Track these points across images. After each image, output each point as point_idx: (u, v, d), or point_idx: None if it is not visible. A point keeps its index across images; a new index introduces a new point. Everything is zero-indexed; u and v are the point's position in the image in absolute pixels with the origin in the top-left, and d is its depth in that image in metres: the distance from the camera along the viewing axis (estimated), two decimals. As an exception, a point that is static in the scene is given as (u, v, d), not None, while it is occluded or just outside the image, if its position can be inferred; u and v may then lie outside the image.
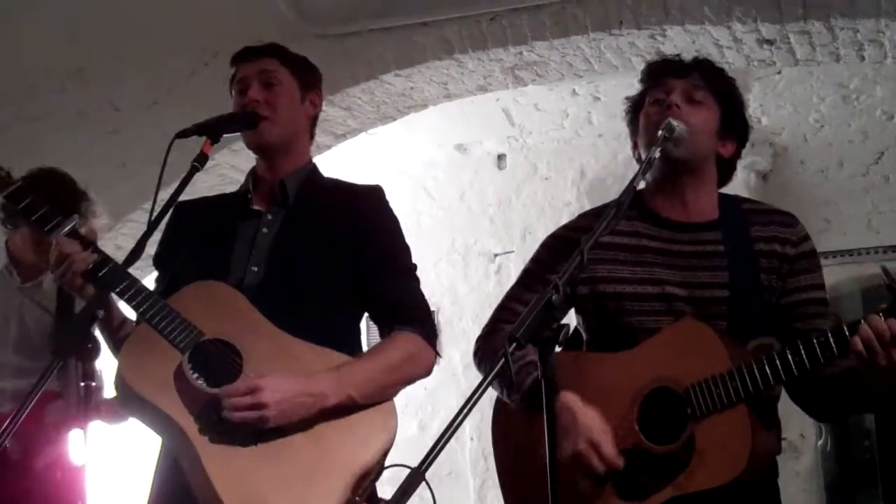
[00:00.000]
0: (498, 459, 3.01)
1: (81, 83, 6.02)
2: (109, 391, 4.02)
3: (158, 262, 3.10)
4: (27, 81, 6.02)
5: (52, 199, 3.55)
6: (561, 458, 2.47)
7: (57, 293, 4.16)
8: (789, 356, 2.57)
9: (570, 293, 2.92)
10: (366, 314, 3.07)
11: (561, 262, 2.41)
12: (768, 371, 2.57)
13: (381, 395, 2.81)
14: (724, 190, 3.04)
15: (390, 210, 3.08)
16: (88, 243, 2.80)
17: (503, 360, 2.04)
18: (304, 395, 2.67)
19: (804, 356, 2.55)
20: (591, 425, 2.66)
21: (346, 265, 2.93)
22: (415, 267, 3.06)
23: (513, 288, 3.09)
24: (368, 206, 3.05)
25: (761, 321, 2.77)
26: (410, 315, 2.97)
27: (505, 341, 2.07)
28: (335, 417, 2.72)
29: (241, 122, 2.97)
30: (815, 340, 2.55)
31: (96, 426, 4.01)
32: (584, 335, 3.01)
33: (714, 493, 2.56)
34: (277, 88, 3.01)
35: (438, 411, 7.08)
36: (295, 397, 2.65)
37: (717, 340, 2.68)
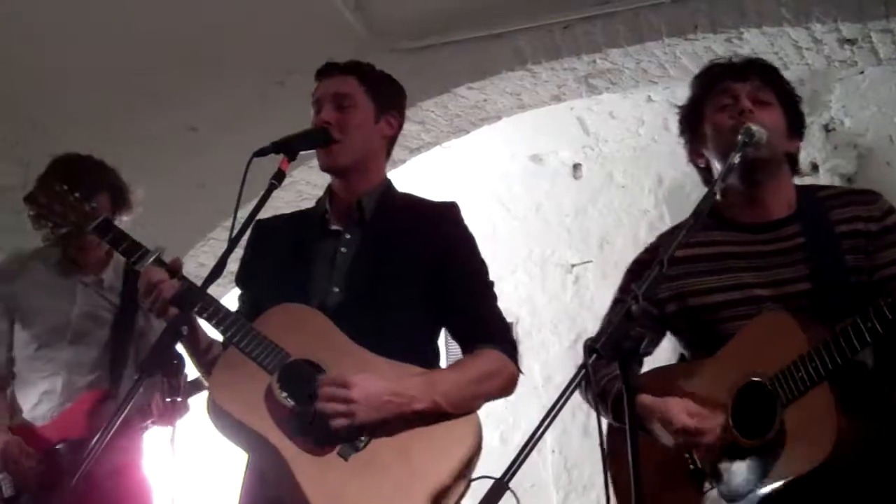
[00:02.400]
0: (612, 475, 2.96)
1: (160, 104, 6.13)
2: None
3: (240, 281, 3.15)
4: (106, 105, 6.14)
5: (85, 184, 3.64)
6: (667, 447, 2.56)
7: (122, 287, 4.23)
8: (861, 324, 2.50)
9: (659, 313, 2.94)
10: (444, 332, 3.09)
11: (660, 281, 2.41)
12: (843, 344, 2.52)
13: (466, 406, 2.82)
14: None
15: (466, 227, 3.09)
16: (174, 271, 2.87)
17: (583, 372, 2.04)
18: (392, 396, 2.70)
19: (875, 321, 2.48)
20: (682, 405, 2.69)
21: (425, 283, 2.96)
22: (492, 283, 3.07)
23: (603, 320, 3.09)
24: (445, 223, 3.06)
25: (849, 305, 2.68)
26: (492, 333, 2.98)
27: (584, 353, 2.07)
28: (422, 424, 2.74)
29: (315, 140, 2.99)
30: (883, 303, 2.48)
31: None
32: (685, 353, 3.00)
33: (818, 476, 2.51)
34: (350, 111, 3.03)
35: (519, 423, 7.06)
36: (382, 396, 2.69)
37: (794, 326, 2.65)
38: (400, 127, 3.20)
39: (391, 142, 3.18)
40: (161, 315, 2.82)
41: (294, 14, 5.50)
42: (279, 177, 2.80)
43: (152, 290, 2.81)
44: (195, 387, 3.97)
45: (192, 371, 3.53)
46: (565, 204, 7.68)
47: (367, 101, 3.07)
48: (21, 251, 4.36)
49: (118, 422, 2.34)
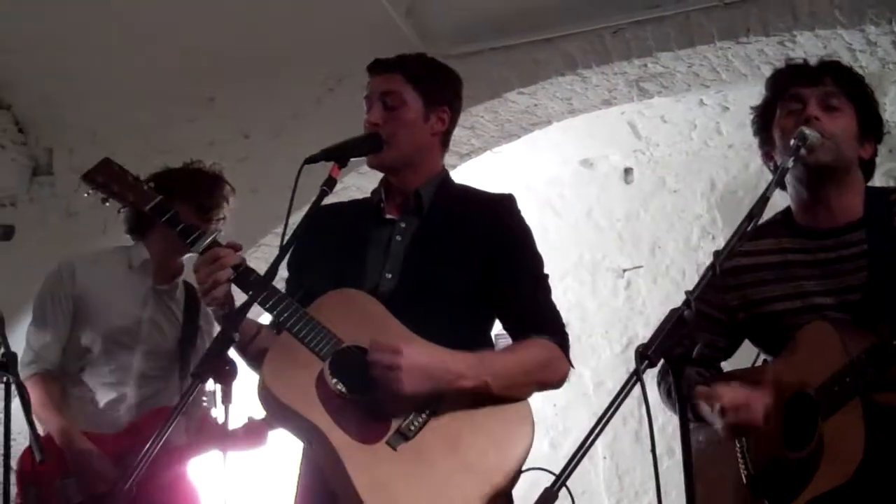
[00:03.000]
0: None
1: (212, 112, 6.19)
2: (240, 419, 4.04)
3: (292, 265, 3.14)
4: (159, 111, 6.22)
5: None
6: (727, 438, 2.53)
7: (185, 296, 4.25)
8: (888, 337, 2.48)
9: (730, 321, 2.93)
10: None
11: (711, 290, 2.41)
12: (871, 359, 2.50)
13: (516, 392, 2.79)
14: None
15: (523, 218, 3.08)
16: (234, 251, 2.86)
17: (633, 378, 2.02)
18: (441, 370, 2.68)
19: None
20: (716, 394, 2.69)
21: (479, 273, 2.94)
22: (547, 276, 3.05)
23: None
24: (502, 214, 3.05)
25: None
26: (545, 324, 2.95)
27: (636, 359, 2.06)
28: (472, 406, 2.72)
29: (366, 146, 2.99)
30: None
31: (235, 454, 4.01)
32: (767, 359, 2.98)
33: (851, 490, 2.50)
34: (398, 111, 3.02)
35: (570, 430, 7.03)
36: (430, 369, 2.67)
37: (835, 337, 2.63)
38: (453, 119, 3.16)
39: (446, 134, 3.16)
40: (213, 297, 2.79)
41: (346, 21, 5.54)
42: (330, 184, 2.80)
43: (215, 261, 2.79)
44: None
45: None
46: (616, 209, 7.64)
47: (414, 98, 3.05)
48: (102, 249, 4.35)
49: (169, 430, 2.35)
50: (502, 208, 3.07)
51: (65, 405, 4.03)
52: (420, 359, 2.66)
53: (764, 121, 3.00)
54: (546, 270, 3.06)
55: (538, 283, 3.02)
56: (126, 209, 3.33)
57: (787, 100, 2.91)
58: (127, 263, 4.21)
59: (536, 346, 2.87)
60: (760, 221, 2.51)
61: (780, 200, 2.89)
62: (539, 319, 2.95)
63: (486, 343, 3.01)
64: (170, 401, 4.07)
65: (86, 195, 3.13)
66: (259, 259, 5.78)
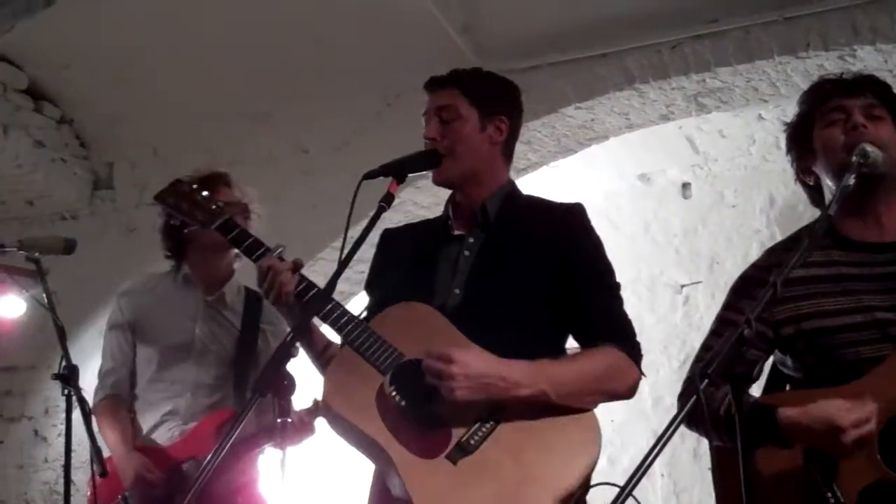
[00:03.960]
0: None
1: (271, 127, 6.26)
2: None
3: (368, 287, 3.16)
4: (219, 126, 6.29)
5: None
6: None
7: (245, 304, 4.28)
8: None
9: (774, 335, 2.84)
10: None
11: (772, 305, 2.36)
12: None
13: (578, 401, 2.74)
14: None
15: (592, 227, 3.04)
16: (296, 268, 2.89)
17: (695, 398, 2.00)
18: (496, 379, 2.64)
19: None
20: (829, 414, 2.55)
21: (548, 284, 2.90)
22: (619, 286, 3.00)
23: (707, 337, 2.98)
24: (571, 224, 3.01)
25: None
26: (616, 332, 2.89)
27: (696, 379, 2.03)
28: (531, 416, 2.68)
29: (424, 162, 2.99)
30: None
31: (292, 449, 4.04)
32: (795, 375, 2.89)
33: None
34: (454, 124, 3.00)
35: (627, 446, 6.99)
36: (484, 377, 2.63)
37: None
38: (512, 128, 3.12)
39: (507, 144, 3.13)
40: (277, 301, 2.84)
41: (402, 37, 5.57)
42: (388, 199, 2.82)
43: (267, 273, 2.83)
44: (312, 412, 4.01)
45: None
46: (674, 224, 7.60)
47: (470, 110, 3.03)
48: (153, 273, 4.46)
49: (230, 442, 2.37)
50: (571, 217, 3.03)
51: (128, 421, 4.13)
52: (474, 366, 2.64)
53: (801, 135, 2.95)
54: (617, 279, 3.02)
55: (608, 291, 2.97)
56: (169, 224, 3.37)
57: (828, 111, 2.87)
58: (174, 282, 4.31)
59: (601, 355, 2.82)
60: (796, 232, 2.47)
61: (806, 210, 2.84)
62: (608, 327, 2.90)
63: (559, 354, 2.95)
64: (227, 406, 4.12)
65: (159, 216, 3.18)
66: (317, 273, 5.81)
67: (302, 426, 4.02)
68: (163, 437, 4.09)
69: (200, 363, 4.15)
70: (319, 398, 3.59)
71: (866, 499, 2.55)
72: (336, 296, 2.83)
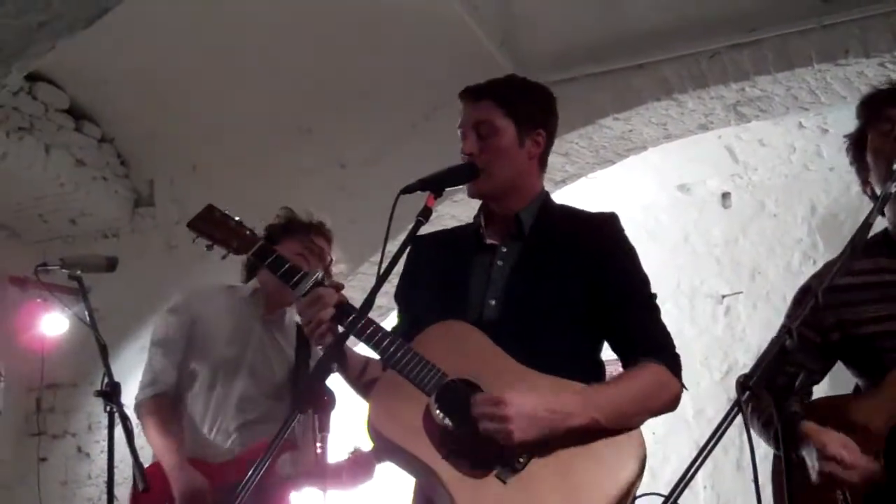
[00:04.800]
0: None
1: (309, 142, 6.28)
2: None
3: (399, 296, 3.16)
4: (257, 142, 6.33)
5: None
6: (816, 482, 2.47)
7: (297, 334, 4.29)
8: None
9: (822, 341, 2.86)
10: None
11: (815, 313, 2.35)
12: None
13: (627, 423, 2.73)
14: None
15: (627, 237, 3.01)
16: (336, 291, 2.88)
17: (735, 409, 1.99)
18: (548, 412, 2.63)
19: None
20: (842, 439, 2.59)
21: (584, 295, 2.89)
22: (654, 296, 2.98)
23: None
24: (605, 234, 2.99)
25: None
26: (655, 346, 2.87)
27: (738, 390, 2.02)
28: (581, 441, 2.68)
29: (462, 176, 2.97)
30: None
31: (338, 489, 4.06)
32: (859, 382, 2.91)
33: None
34: (491, 139, 2.97)
35: (669, 458, 6.94)
36: (537, 413, 2.62)
37: None
38: (549, 139, 3.10)
39: (543, 155, 3.11)
40: (316, 334, 2.82)
41: (439, 50, 5.58)
42: (426, 214, 2.79)
43: (312, 309, 2.82)
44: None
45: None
46: (715, 234, 7.57)
47: (507, 123, 3.00)
48: (218, 284, 4.46)
49: (269, 460, 2.38)
50: (606, 227, 3.01)
51: (178, 430, 4.11)
52: (526, 405, 2.62)
53: (858, 147, 2.94)
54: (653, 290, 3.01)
55: (644, 302, 2.95)
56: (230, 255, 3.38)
57: (879, 123, 2.86)
58: (238, 295, 4.32)
59: (645, 373, 2.81)
60: (839, 247, 2.45)
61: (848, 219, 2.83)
62: (647, 341, 2.88)
63: (595, 367, 2.96)
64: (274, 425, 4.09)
65: (193, 242, 3.18)
66: (356, 287, 5.84)
67: (358, 468, 4.02)
68: (210, 453, 4.07)
69: (249, 381, 4.15)
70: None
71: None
72: (374, 311, 2.82)
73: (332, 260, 4.26)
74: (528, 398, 2.64)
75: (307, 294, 2.86)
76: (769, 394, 2.12)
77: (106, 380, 3.78)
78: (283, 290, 4.17)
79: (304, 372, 4.18)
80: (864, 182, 2.97)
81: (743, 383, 2.04)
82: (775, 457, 2.82)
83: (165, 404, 4.13)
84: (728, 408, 2.88)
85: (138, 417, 4.10)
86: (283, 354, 4.25)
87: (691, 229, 7.64)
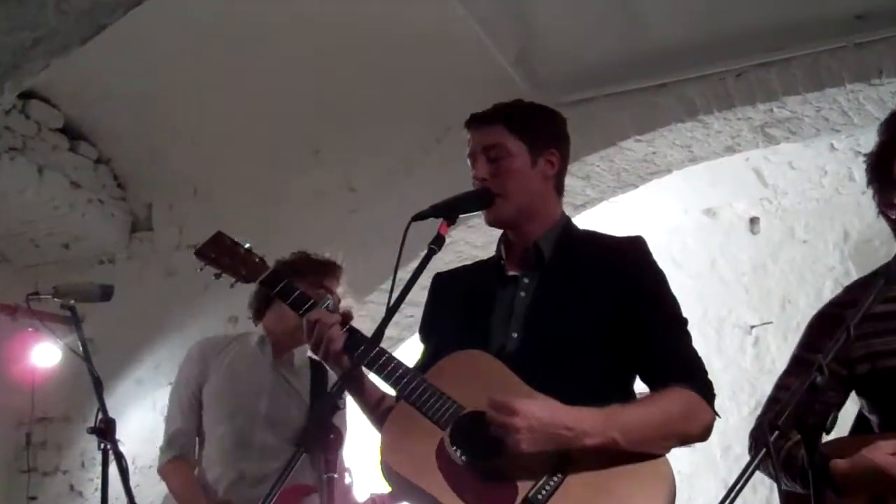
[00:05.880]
0: None
1: (318, 164, 6.31)
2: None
3: (422, 334, 3.17)
4: (263, 163, 6.35)
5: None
6: None
7: (311, 373, 4.34)
8: None
9: (848, 374, 2.83)
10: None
11: (845, 345, 2.31)
12: None
13: (649, 447, 2.71)
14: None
15: (654, 261, 3.02)
16: (345, 321, 2.90)
17: (763, 451, 1.98)
18: (562, 428, 2.62)
19: None
20: (871, 456, 2.57)
21: (610, 323, 2.88)
22: (686, 321, 2.97)
23: (782, 377, 2.97)
24: (631, 258, 2.99)
25: None
26: (685, 371, 2.85)
27: (765, 430, 2.01)
28: (600, 465, 2.66)
29: (476, 202, 2.99)
30: None
31: None
32: (872, 419, 2.88)
33: None
34: (503, 162, 2.99)
35: (696, 499, 6.91)
36: (549, 427, 2.61)
37: None
38: (563, 160, 3.12)
39: (558, 177, 3.12)
40: (328, 361, 2.86)
41: (453, 69, 5.61)
42: (438, 242, 2.82)
43: (321, 337, 2.84)
44: None
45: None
46: (742, 260, 7.55)
47: (518, 146, 3.02)
48: (232, 335, 4.61)
49: (275, 495, 2.39)
50: (631, 251, 3.01)
51: (200, 491, 4.21)
52: (539, 416, 2.61)
53: (880, 165, 2.93)
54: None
55: (675, 327, 2.94)
56: (239, 284, 3.41)
57: None
58: (247, 344, 4.41)
59: (672, 396, 2.79)
60: (877, 269, 2.45)
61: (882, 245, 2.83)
62: (677, 366, 2.87)
63: (626, 399, 2.90)
64: (302, 476, 4.11)
65: (199, 270, 3.21)
66: (365, 317, 5.84)
67: None
68: (236, 500, 4.15)
69: (269, 431, 4.22)
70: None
71: None
72: (385, 342, 2.83)
73: (338, 299, 4.29)
74: (543, 410, 2.63)
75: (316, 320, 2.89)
76: (800, 433, 2.11)
77: (100, 415, 3.79)
78: (290, 332, 4.28)
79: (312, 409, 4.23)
80: (885, 203, 2.94)
81: (771, 422, 2.03)
82: (785, 494, 2.79)
83: (185, 466, 4.27)
84: (755, 447, 2.90)
85: (160, 471, 4.28)
86: (298, 398, 4.31)
87: (718, 256, 7.63)
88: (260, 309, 4.43)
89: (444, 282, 3.15)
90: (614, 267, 2.95)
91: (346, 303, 4.30)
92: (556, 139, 3.13)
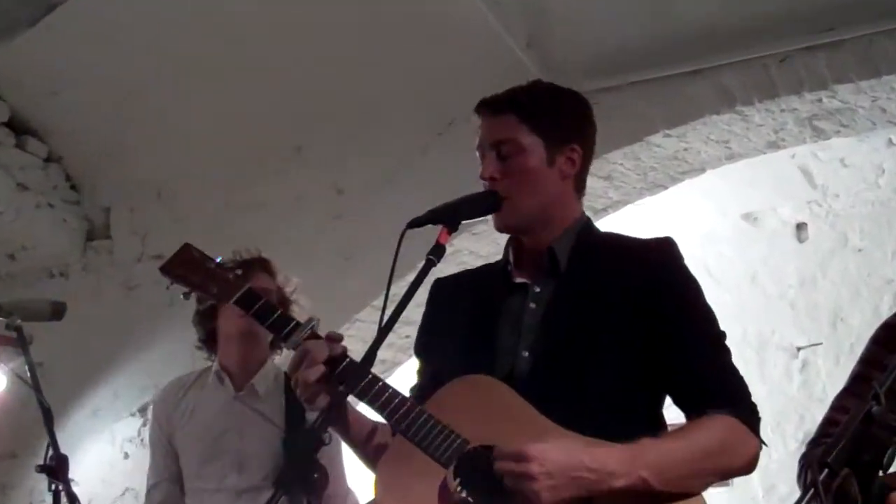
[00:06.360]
0: None
1: (299, 163, 6.30)
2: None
3: (418, 350, 3.15)
4: (238, 163, 6.34)
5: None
6: None
7: (285, 391, 4.34)
8: None
9: None
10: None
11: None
12: None
13: (685, 486, 2.69)
14: None
15: (686, 266, 2.98)
16: (335, 345, 2.88)
17: (811, 491, 1.98)
18: (584, 471, 2.58)
19: None
20: None
21: (637, 338, 2.84)
22: (724, 335, 2.93)
23: (839, 397, 2.96)
24: (659, 262, 2.95)
25: None
26: (725, 394, 2.82)
27: (814, 468, 2.01)
28: None
29: (481, 206, 2.94)
30: None
31: None
32: None
33: None
34: (516, 160, 2.95)
35: (735, 545, 6.94)
36: (569, 471, 2.57)
37: None
38: (586, 156, 3.06)
39: (580, 175, 3.07)
40: (308, 402, 2.80)
41: (457, 54, 5.61)
42: (438, 252, 2.76)
43: (303, 359, 2.77)
44: None
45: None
46: (788, 273, 7.57)
47: (533, 141, 2.97)
48: (186, 375, 4.65)
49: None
50: (660, 255, 2.97)
51: None
52: (556, 459, 2.57)
53: None
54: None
55: (712, 343, 2.91)
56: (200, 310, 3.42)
57: None
58: (206, 383, 4.50)
59: (712, 426, 2.75)
60: None
61: None
62: (716, 389, 2.83)
63: (655, 429, 2.87)
64: None
65: (167, 288, 3.21)
66: (354, 338, 5.84)
67: None
68: None
69: (242, 470, 4.29)
70: None
71: None
72: (377, 365, 2.82)
73: (283, 288, 4.38)
74: (559, 452, 2.59)
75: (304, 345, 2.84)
76: (853, 472, 2.11)
77: (51, 451, 3.78)
78: (246, 357, 4.34)
79: (299, 433, 4.24)
80: None
81: (821, 459, 2.03)
82: None
83: None
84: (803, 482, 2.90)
85: None
86: (270, 430, 4.33)
87: (760, 267, 7.65)
88: (209, 344, 4.52)
89: (444, 289, 3.11)
90: (641, 274, 2.91)
91: (295, 294, 4.34)
92: (579, 130, 3.08)
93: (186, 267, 3.15)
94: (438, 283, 3.08)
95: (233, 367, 4.42)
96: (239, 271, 3.18)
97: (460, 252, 5.77)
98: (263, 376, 4.41)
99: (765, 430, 7.29)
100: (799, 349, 7.43)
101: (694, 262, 7.66)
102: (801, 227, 7.64)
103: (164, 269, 3.18)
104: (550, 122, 3.00)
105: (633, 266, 2.94)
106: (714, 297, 7.46)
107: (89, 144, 6.64)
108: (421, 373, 3.10)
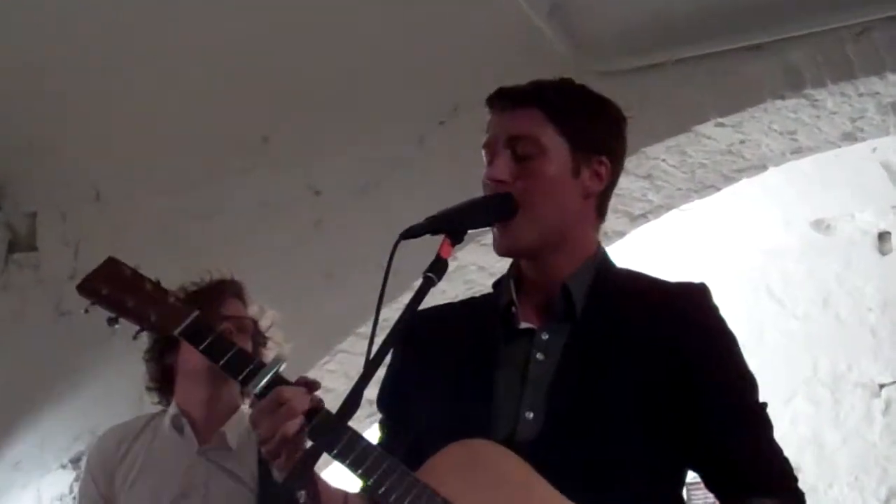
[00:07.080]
0: None
1: (268, 159, 6.30)
2: None
3: (384, 402, 3.11)
4: (192, 160, 6.35)
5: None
6: None
7: (259, 461, 4.32)
8: None
9: None
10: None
11: None
12: None
13: None
14: None
15: (723, 320, 2.98)
16: (310, 390, 2.83)
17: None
18: None
19: None
20: None
21: (662, 405, 2.85)
22: (764, 406, 2.95)
23: None
24: (691, 316, 2.95)
25: None
26: (766, 480, 2.84)
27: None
28: None
29: (491, 212, 2.92)
30: None
31: None
32: None
33: None
34: (535, 163, 2.93)
35: None
36: None
37: None
38: (614, 173, 3.06)
39: (604, 196, 3.07)
40: (281, 462, 2.75)
41: (464, 27, 5.60)
42: (438, 269, 2.73)
43: (276, 410, 2.70)
44: None
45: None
46: (867, 293, 7.59)
47: (558, 143, 2.95)
48: (134, 419, 4.62)
49: None
50: (691, 306, 2.97)
51: None
52: None
53: None
54: (762, 396, 2.98)
55: (750, 414, 2.93)
56: (146, 336, 3.37)
57: None
58: (161, 430, 4.45)
59: None
60: None
61: None
62: (755, 473, 2.85)
63: None
64: None
65: (85, 311, 3.11)
66: (335, 372, 5.86)
67: None
68: None
69: None
70: None
71: None
72: (364, 407, 2.80)
73: (257, 321, 4.37)
74: None
75: (263, 395, 2.77)
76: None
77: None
78: (212, 402, 4.30)
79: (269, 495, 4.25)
80: None
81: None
82: None
83: None
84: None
85: None
86: (241, 493, 4.33)
87: (834, 287, 7.67)
88: (162, 385, 4.48)
89: (423, 328, 3.00)
90: (667, 327, 2.92)
91: (271, 330, 4.35)
92: (610, 143, 3.07)
93: (114, 286, 3.00)
94: (418, 315, 2.97)
95: (196, 412, 4.37)
96: (181, 294, 3.14)
97: (466, 268, 5.77)
98: (236, 425, 4.37)
99: (841, 486, 7.40)
100: (881, 386, 7.44)
101: (752, 281, 7.76)
102: (883, 236, 7.65)
103: (84, 287, 3.02)
104: (581, 126, 2.99)
105: (660, 317, 2.93)
106: (779, 325, 7.55)
107: (10, 138, 6.64)
108: (387, 431, 3.08)
